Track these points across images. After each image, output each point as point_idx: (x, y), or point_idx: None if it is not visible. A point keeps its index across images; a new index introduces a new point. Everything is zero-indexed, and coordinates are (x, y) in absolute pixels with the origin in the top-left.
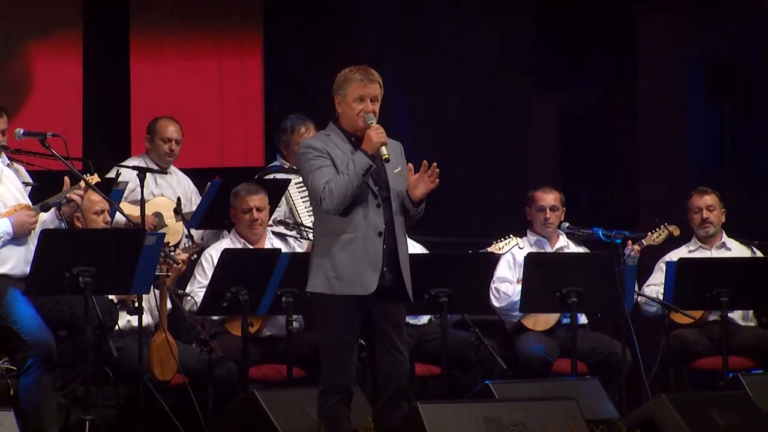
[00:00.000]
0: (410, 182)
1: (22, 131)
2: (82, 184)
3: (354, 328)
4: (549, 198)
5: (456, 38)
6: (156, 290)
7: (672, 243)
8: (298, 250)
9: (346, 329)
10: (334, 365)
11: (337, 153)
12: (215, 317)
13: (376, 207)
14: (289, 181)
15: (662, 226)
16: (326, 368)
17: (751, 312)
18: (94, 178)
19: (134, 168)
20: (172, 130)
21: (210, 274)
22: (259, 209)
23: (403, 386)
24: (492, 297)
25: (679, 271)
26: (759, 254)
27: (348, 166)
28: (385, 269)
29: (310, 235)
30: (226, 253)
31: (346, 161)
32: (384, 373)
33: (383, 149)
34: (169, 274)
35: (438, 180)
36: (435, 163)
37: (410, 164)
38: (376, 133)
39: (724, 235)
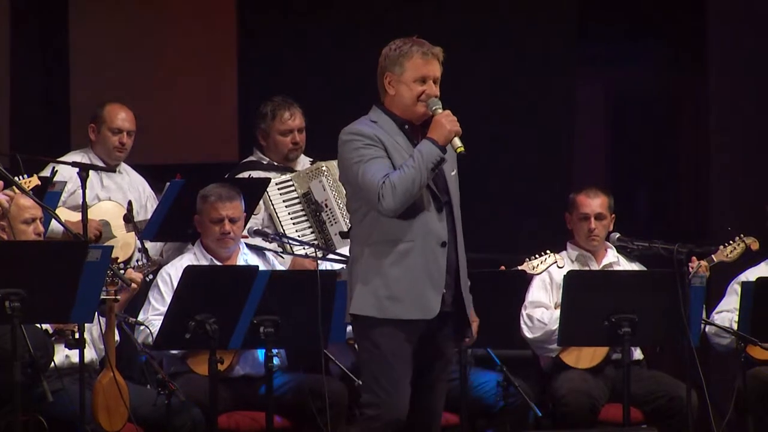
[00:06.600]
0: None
1: None
2: (16, 188)
3: (409, 359)
4: (594, 203)
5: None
6: (102, 318)
7: (749, 259)
8: (279, 267)
9: (402, 356)
10: (390, 395)
11: (392, 143)
12: (176, 352)
13: (437, 212)
14: (268, 180)
15: (737, 239)
16: (381, 397)
17: None
18: (33, 181)
19: (74, 164)
20: (122, 117)
21: (169, 297)
22: (232, 220)
23: None
24: (524, 326)
25: (758, 294)
26: None
27: (414, 158)
28: (444, 290)
29: (295, 249)
30: (190, 272)
31: (402, 154)
32: (418, 424)
33: (456, 140)
34: (118, 297)
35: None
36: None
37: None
38: (449, 120)
39: None
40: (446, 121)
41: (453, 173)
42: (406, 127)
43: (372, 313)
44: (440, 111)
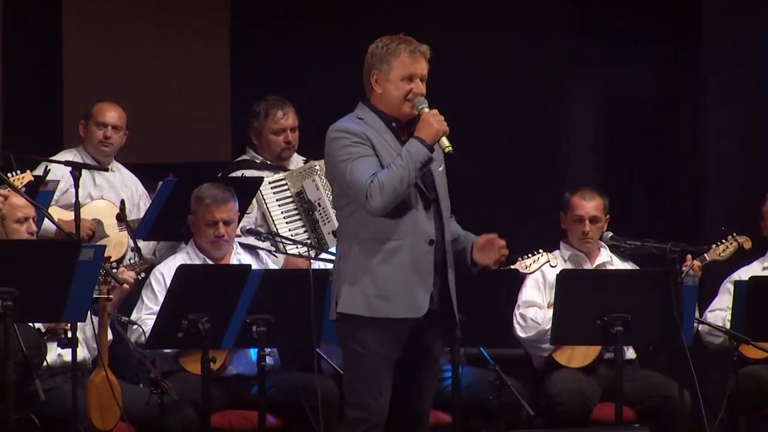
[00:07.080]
0: (480, 242)
1: None
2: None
3: (395, 359)
4: (589, 206)
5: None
6: (94, 317)
7: (742, 258)
8: (272, 266)
9: (389, 356)
10: (376, 399)
11: (380, 140)
12: (168, 351)
13: (425, 210)
14: (261, 180)
15: (730, 238)
16: (368, 400)
17: None
18: (26, 177)
19: (67, 163)
20: (108, 112)
21: (161, 297)
22: (226, 222)
23: None
24: (516, 326)
25: (751, 293)
26: None
27: (402, 157)
28: (433, 289)
29: (288, 248)
30: (182, 271)
31: (390, 152)
32: (406, 424)
33: (444, 139)
34: (111, 296)
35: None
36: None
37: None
38: (437, 120)
39: None
40: (434, 120)
41: (440, 169)
42: (393, 124)
43: (361, 312)
44: (426, 110)
